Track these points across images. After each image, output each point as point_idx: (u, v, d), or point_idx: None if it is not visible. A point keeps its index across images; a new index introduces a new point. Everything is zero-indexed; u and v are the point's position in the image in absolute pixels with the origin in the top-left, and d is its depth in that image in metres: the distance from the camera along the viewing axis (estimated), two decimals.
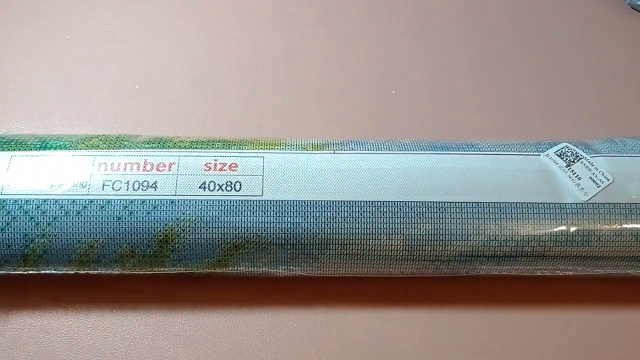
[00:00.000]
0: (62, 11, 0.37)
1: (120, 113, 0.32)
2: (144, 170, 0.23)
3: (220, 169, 0.23)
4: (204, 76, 0.34)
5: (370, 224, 0.23)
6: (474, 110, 0.33)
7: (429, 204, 0.23)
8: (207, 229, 0.22)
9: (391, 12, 0.38)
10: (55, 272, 0.23)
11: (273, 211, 0.23)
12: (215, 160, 0.23)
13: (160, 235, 0.22)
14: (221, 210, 0.22)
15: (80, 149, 0.24)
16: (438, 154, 0.24)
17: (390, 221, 0.23)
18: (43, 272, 0.23)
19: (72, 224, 0.22)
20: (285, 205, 0.23)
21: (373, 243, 0.23)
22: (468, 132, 0.32)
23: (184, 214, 0.22)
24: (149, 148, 0.24)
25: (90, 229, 0.22)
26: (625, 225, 0.23)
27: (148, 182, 0.23)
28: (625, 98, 0.34)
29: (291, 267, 0.23)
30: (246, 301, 0.25)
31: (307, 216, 0.23)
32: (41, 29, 0.36)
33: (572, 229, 0.23)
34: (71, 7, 0.37)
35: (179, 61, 0.35)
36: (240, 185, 0.23)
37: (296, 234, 0.23)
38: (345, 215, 0.23)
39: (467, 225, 0.23)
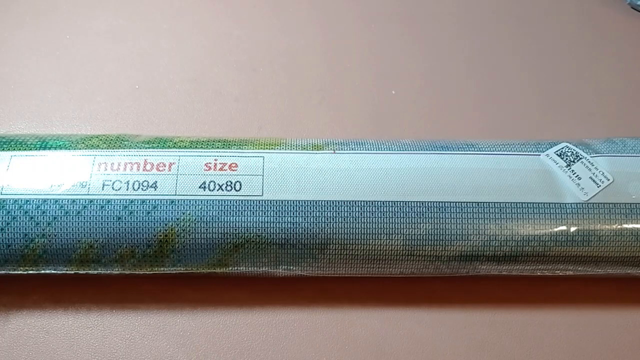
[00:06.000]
0: (62, 11, 0.37)
1: (120, 113, 0.32)
2: (144, 170, 0.23)
3: (220, 169, 0.23)
4: (204, 76, 0.34)
5: (370, 224, 0.23)
6: (474, 110, 0.33)
7: (429, 204, 0.23)
8: (207, 229, 0.22)
9: (391, 12, 0.38)
10: (55, 272, 0.23)
11: (273, 211, 0.23)
12: (215, 160, 0.23)
13: (160, 235, 0.22)
14: (221, 210, 0.22)
15: (80, 148, 0.24)
16: (438, 153, 0.24)
17: (390, 221, 0.23)
18: (43, 272, 0.23)
19: (72, 223, 0.22)
20: (285, 205, 0.23)
21: (373, 243, 0.23)
22: (468, 132, 0.32)
23: (184, 213, 0.22)
24: (149, 148, 0.24)
25: (90, 229, 0.22)
26: (625, 225, 0.23)
27: (148, 182, 0.23)
28: (625, 98, 0.34)
29: (291, 267, 0.23)
30: (246, 301, 0.25)
31: (307, 216, 0.23)
32: (41, 29, 0.36)
33: (572, 228, 0.23)
34: (71, 7, 0.37)
35: (179, 61, 0.35)
36: (240, 185, 0.23)
37: (296, 234, 0.23)
38: (345, 215, 0.23)
39: (467, 225, 0.23)
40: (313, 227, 0.23)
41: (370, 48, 0.36)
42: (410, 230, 0.23)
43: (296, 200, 0.23)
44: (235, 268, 0.23)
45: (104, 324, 0.24)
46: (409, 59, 0.36)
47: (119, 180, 0.23)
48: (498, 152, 0.24)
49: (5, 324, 0.24)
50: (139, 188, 0.23)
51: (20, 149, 0.24)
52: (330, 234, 0.23)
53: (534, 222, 0.23)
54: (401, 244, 0.23)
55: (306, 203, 0.23)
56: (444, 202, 0.23)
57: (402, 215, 0.23)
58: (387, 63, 0.35)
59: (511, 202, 0.23)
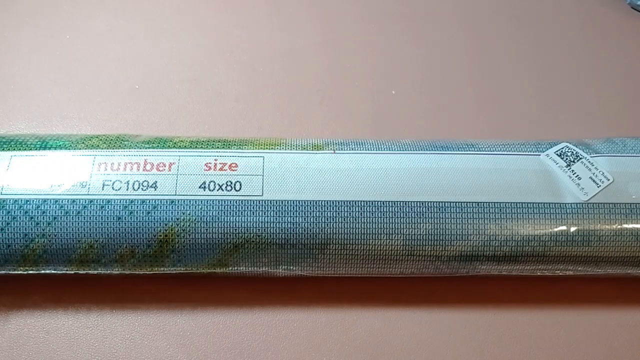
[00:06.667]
0: (63, 11, 0.37)
1: (120, 113, 0.32)
2: (144, 170, 0.23)
3: (220, 169, 0.23)
4: (204, 76, 0.34)
5: (370, 224, 0.23)
6: (474, 110, 0.33)
7: (429, 204, 0.23)
8: (207, 229, 0.22)
9: (391, 12, 0.38)
10: (55, 272, 0.23)
11: (273, 211, 0.23)
12: (215, 160, 0.24)
13: (160, 235, 0.22)
14: (221, 210, 0.22)
15: (80, 148, 0.24)
16: (438, 153, 0.24)
17: (390, 221, 0.23)
18: (43, 272, 0.23)
19: (72, 223, 0.22)
20: (285, 205, 0.23)
21: (373, 243, 0.23)
22: (468, 132, 0.32)
23: (184, 213, 0.22)
24: (149, 148, 0.24)
25: (90, 229, 0.22)
26: (625, 225, 0.23)
27: (148, 182, 0.23)
28: (625, 98, 0.34)
29: (291, 267, 0.23)
30: (246, 301, 0.25)
31: (307, 216, 0.23)
32: (41, 29, 0.36)
33: (572, 229, 0.23)
34: (71, 7, 0.37)
35: (179, 61, 0.35)
36: (240, 185, 0.23)
37: (296, 234, 0.23)
38: (345, 215, 0.23)
39: (467, 225, 0.23)
40: (313, 227, 0.23)
41: (370, 48, 0.36)
42: (410, 230, 0.23)
43: (296, 200, 0.23)
44: (235, 268, 0.23)
45: (104, 324, 0.24)
46: (409, 58, 0.36)
47: (119, 180, 0.23)
48: (498, 152, 0.24)
49: (5, 324, 0.24)
50: (139, 188, 0.23)
51: (20, 149, 0.24)
52: (330, 234, 0.23)
53: (533, 222, 0.23)
54: (401, 244, 0.23)
55: (306, 203, 0.23)
56: (444, 202, 0.23)
57: (402, 215, 0.23)
58: (387, 63, 0.35)
59: (511, 202, 0.23)
